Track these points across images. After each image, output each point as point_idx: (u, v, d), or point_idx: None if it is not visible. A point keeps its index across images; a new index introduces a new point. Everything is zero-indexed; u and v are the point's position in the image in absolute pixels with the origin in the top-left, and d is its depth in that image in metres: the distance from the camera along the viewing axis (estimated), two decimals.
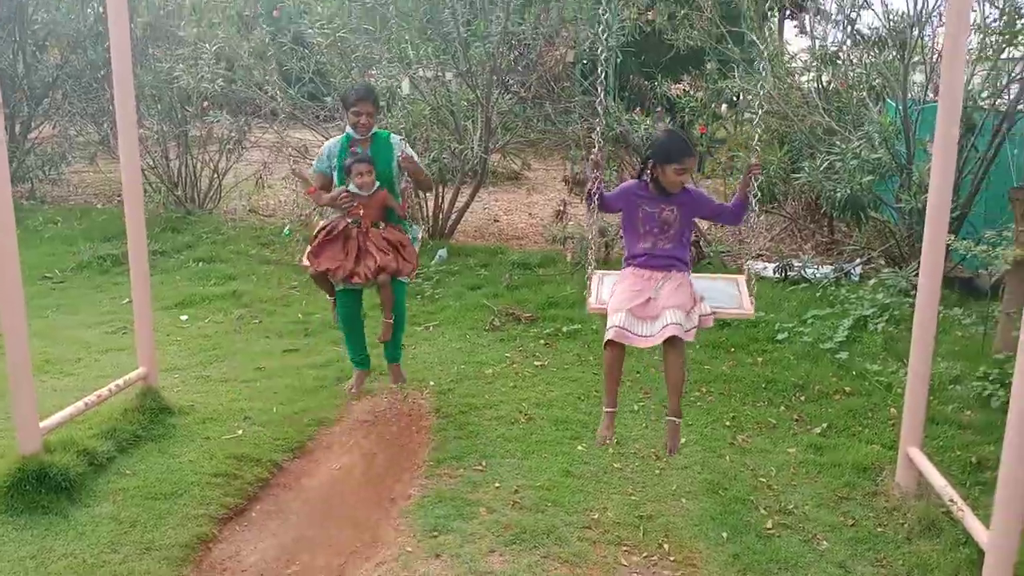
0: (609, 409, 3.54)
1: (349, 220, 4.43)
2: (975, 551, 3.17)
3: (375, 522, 3.63)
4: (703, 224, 7.59)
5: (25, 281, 7.04)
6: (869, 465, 4.10)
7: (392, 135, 4.68)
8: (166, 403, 4.42)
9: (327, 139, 8.48)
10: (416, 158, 4.66)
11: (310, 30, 7.70)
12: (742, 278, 3.89)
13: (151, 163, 9.15)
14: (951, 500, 3.32)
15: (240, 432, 4.29)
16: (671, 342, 3.34)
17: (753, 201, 3.60)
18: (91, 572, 3.12)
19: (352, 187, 4.45)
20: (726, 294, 3.77)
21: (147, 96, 8.94)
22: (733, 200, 3.69)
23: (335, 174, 4.59)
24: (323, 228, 4.48)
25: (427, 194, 8.28)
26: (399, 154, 4.55)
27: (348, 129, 4.58)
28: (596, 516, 3.65)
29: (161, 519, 3.48)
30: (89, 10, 9.31)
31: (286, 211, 9.32)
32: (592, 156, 3.63)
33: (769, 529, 3.57)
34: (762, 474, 4.04)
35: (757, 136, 3.80)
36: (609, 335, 3.36)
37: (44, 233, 8.42)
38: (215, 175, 9.38)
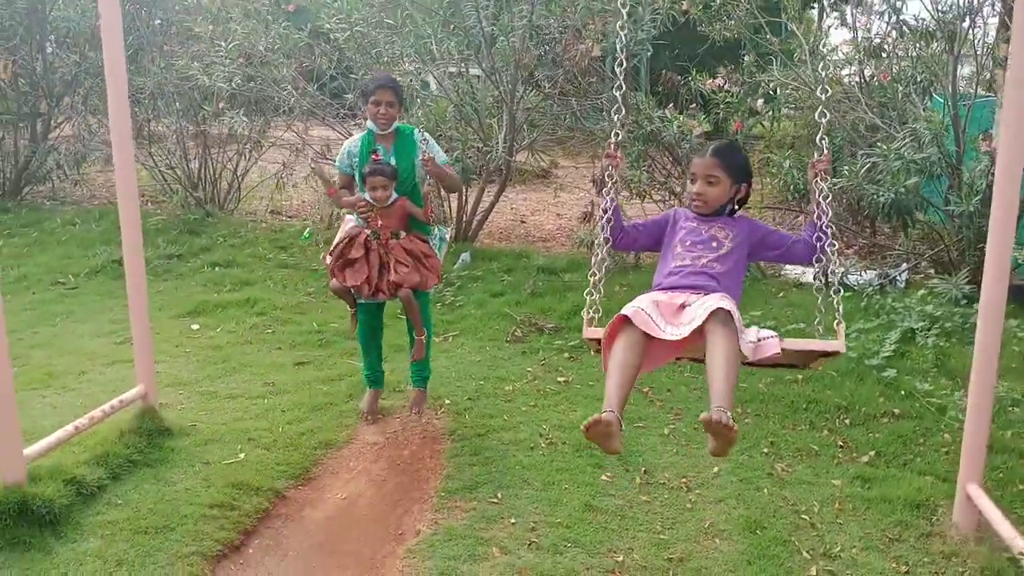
0: (608, 412, 2.48)
1: (368, 232, 4.23)
2: None
3: (380, 561, 3.35)
4: None
5: (37, 287, 7.03)
6: (923, 501, 3.72)
7: (416, 131, 4.37)
8: (165, 424, 4.18)
9: (348, 136, 8.41)
10: (441, 157, 4.37)
11: (328, 25, 7.44)
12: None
13: (170, 164, 8.98)
14: (1021, 553, 2.95)
15: (242, 456, 4.03)
16: (717, 321, 2.49)
17: (825, 204, 2.85)
18: None
19: (369, 196, 4.24)
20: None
21: (167, 93, 8.75)
22: (806, 224, 3.00)
23: (357, 173, 4.35)
24: (342, 240, 4.29)
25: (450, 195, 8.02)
26: (421, 155, 4.26)
27: (369, 123, 4.30)
28: (621, 558, 3.33)
29: (149, 556, 3.23)
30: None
31: (308, 212, 9.10)
32: (607, 149, 2.98)
33: None
34: (804, 510, 3.70)
35: (822, 129, 2.95)
36: (625, 311, 2.61)
37: (61, 236, 8.26)
38: (235, 176, 9.17)
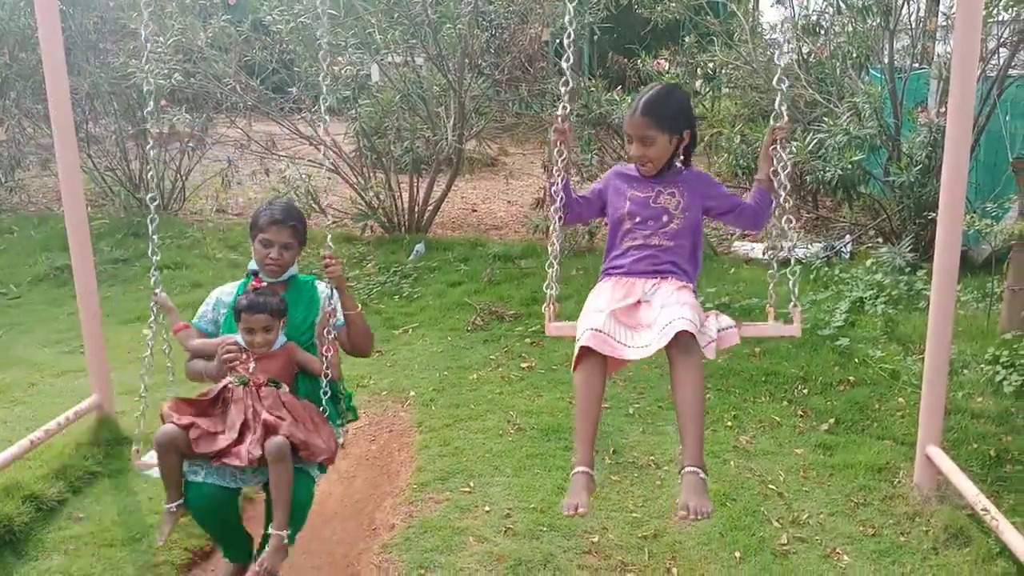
0: (582, 469, 2.38)
1: (231, 380, 2.91)
2: (1013, 565, 2.92)
3: (356, 558, 3.33)
4: None
5: None
6: (883, 464, 3.84)
7: (319, 283, 3.16)
8: (124, 433, 4.08)
9: (292, 132, 8.25)
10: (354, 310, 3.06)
11: (269, 16, 7.29)
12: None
13: (109, 165, 8.73)
14: (984, 509, 3.06)
15: None
16: (680, 346, 2.30)
17: (784, 176, 2.59)
18: None
19: (243, 341, 2.97)
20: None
21: (103, 94, 8.49)
22: (753, 190, 2.73)
23: (223, 329, 3.14)
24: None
25: (399, 189, 7.95)
26: (325, 308, 3.01)
27: (251, 265, 3.13)
28: (596, 539, 3.36)
29: (117, 570, 3.16)
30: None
31: (255, 208, 8.92)
32: (556, 123, 2.64)
33: (784, 545, 3.31)
34: (771, 480, 3.77)
35: (780, 96, 2.63)
36: (583, 341, 2.37)
37: None
38: (178, 175, 8.96)
